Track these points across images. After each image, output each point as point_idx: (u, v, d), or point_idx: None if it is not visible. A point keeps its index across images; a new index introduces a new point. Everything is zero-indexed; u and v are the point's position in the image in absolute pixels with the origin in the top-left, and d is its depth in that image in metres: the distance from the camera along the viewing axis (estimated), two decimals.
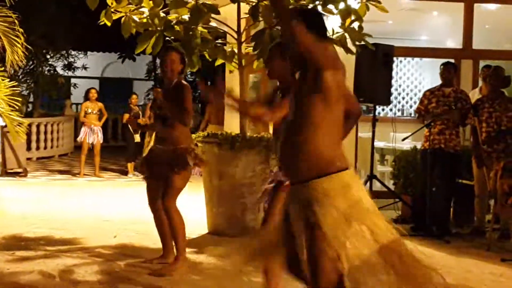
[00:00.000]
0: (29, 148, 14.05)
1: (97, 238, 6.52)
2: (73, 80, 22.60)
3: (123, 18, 6.55)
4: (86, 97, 12.20)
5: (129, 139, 12.28)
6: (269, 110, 3.78)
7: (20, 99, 8.39)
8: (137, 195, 8.30)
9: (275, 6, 3.12)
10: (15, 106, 8.08)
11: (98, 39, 20.91)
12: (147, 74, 26.94)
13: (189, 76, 20.81)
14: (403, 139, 7.80)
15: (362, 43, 6.80)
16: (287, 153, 3.16)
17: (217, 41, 6.92)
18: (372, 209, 3.04)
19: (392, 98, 10.91)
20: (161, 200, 5.26)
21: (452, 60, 8.09)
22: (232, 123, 9.46)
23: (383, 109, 12.55)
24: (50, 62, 18.10)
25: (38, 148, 14.79)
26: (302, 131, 3.07)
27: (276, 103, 4.12)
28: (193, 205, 7.63)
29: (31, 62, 16.38)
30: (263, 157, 6.55)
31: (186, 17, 6.51)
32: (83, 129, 11.90)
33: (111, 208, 8.44)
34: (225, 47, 6.99)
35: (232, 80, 9.47)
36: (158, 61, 20.56)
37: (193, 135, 6.36)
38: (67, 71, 19.99)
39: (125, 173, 12.36)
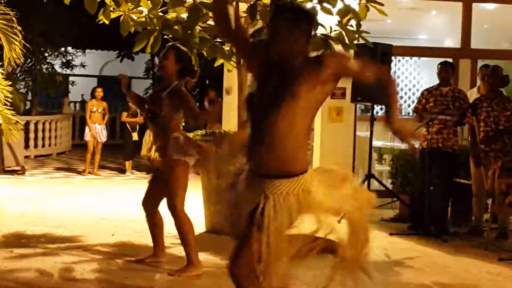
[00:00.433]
0: (27, 146, 14.04)
1: (95, 236, 6.53)
2: (71, 78, 22.56)
3: (121, 17, 6.54)
4: (92, 96, 12.21)
5: (127, 137, 12.25)
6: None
7: (12, 95, 8.38)
8: (135, 194, 8.27)
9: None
10: (7, 103, 8.09)
11: (97, 38, 20.83)
12: (145, 72, 26.87)
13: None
14: None
15: (361, 41, 6.80)
16: (260, 146, 3.17)
17: (215, 40, 6.91)
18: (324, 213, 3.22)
19: None
20: (166, 204, 5.26)
21: (451, 60, 8.09)
22: (230, 122, 9.47)
23: (381, 108, 12.54)
24: (48, 60, 18.02)
25: (36, 146, 14.78)
26: (281, 131, 3.10)
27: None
28: (190, 204, 7.60)
29: (29, 60, 16.32)
30: None
31: (184, 16, 6.51)
32: (88, 128, 11.88)
33: (109, 207, 8.44)
34: (223, 46, 6.98)
35: (231, 79, 9.48)
36: (156, 60, 20.51)
37: (191, 134, 6.38)
38: (65, 69, 19.90)
39: (123, 171, 12.36)
